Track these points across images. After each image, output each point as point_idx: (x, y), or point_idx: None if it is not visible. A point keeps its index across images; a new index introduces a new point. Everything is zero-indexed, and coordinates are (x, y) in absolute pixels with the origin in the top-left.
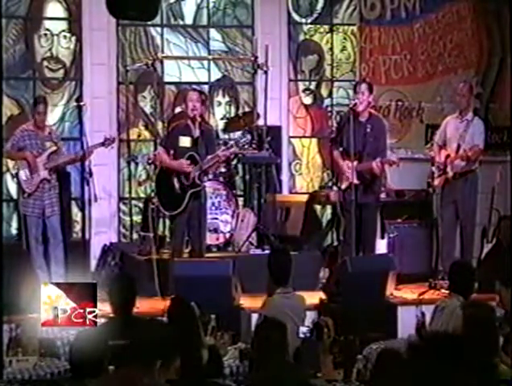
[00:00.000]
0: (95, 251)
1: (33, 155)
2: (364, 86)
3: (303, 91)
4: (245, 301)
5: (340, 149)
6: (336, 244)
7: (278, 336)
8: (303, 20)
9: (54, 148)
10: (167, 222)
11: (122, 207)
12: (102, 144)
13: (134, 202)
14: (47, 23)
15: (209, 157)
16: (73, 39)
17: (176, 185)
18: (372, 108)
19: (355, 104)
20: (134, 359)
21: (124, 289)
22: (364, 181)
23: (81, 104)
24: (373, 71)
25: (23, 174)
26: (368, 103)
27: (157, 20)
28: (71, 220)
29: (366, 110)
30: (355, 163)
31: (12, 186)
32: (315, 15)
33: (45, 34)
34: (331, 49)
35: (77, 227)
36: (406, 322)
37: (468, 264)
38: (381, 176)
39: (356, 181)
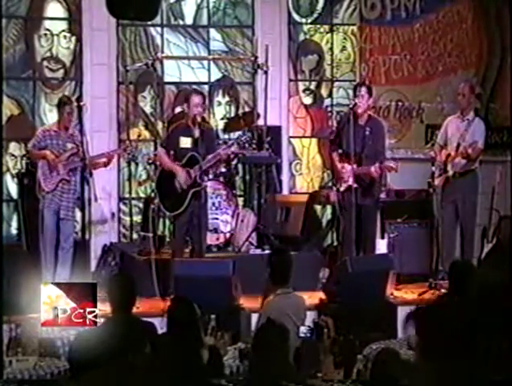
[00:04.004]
0: (95, 251)
1: (53, 154)
2: (363, 89)
3: (303, 91)
4: (245, 301)
5: (340, 151)
6: (336, 244)
7: (279, 339)
8: (303, 20)
9: (75, 150)
10: (167, 222)
11: (122, 207)
12: (124, 150)
13: (134, 202)
14: (47, 23)
15: (210, 156)
16: (73, 39)
17: (178, 185)
18: (372, 109)
19: (355, 105)
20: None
21: (123, 288)
22: (362, 184)
23: (81, 104)
24: (373, 71)
25: (42, 172)
26: (367, 106)
27: (157, 20)
28: None
29: (365, 113)
30: (354, 166)
31: (12, 186)
32: (315, 15)
33: (45, 34)
34: (331, 49)
35: (77, 227)
36: None
37: (467, 264)
38: (381, 179)
39: (354, 184)
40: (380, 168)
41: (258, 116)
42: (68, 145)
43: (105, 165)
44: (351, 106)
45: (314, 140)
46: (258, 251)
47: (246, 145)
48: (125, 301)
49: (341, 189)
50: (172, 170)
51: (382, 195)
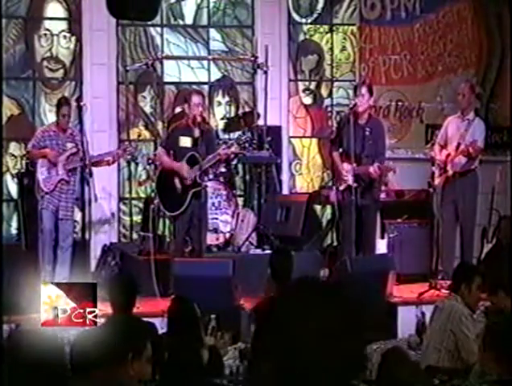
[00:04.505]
0: (95, 251)
1: (53, 153)
2: (364, 89)
3: (303, 91)
4: (245, 301)
5: (340, 150)
6: (336, 244)
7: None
8: (303, 20)
9: (74, 149)
10: (167, 222)
11: (122, 207)
12: (124, 150)
13: (134, 202)
14: (47, 23)
15: (210, 156)
16: (73, 39)
17: (178, 185)
18: (372, 108)
19: (355, 105)
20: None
21: (124, 288)
22: (362, 184)
23: (81, 104)
24: (373, 71)
25: (42, 172)
26: (368, 106)
27: (157, 20)
28: None
29: (366, 112)
30: (353, 165)
31: (12, 186)
32: (315, 15)
33: (45, 34)
34: (331, 49)
35: (77, 227)
36: (406, 322)
37: (472, 267)
38: (380, 179)
39: (354, 183)
40: (379, 168)
41: (258, 116)
42: (68, 145)
43: (109, 164)
44: (351, 106)
45: (314, 140)
46: (258, 251)
47: (246, 145)
48: (126, 302)
49: (341, 188)
50: (173, 169)
51: (382, 195)
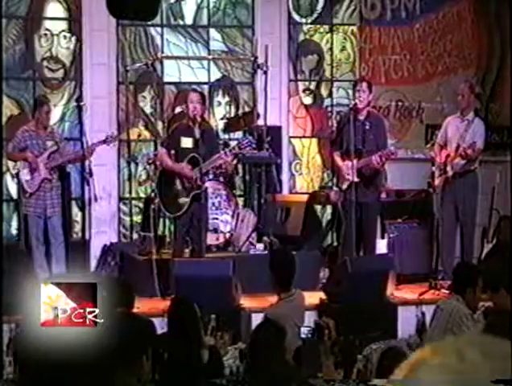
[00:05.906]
0: (95, 251)
1: (34, 155)
2: (364, 84)
3: (303, 91)
4: (245, 301)
5: (341, 151)
6: (336, 244)
7: (275, 338)
8: (303, 20)
9: (55, 147)
10: (167, 222)
11: (122, 207)
12: (104, 141)
13: (134, 202)
14: (47, 23)
15: (211, 158)
16: (73, 39)
17: (178, 187)
18: (371, 108)
19: (355, 105)
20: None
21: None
22: (364, 178)
23: (81, 104)
24: (373, 71)
25: (24, 174)
26: (367, 102)
27: (157, 20)
28: (71, 220)
29: (365, 109)
30: (355, 161)
31: (12, 186)
32: (315, 15)
33: (45, 34)
34: (331, 49)
35: (77, 227)
36: (406, 322)
37: (476, 269)
38: (382, 173)
39: (356, 178)
40: (380, 157)
41: (258, 116)
42: (48, 144)
43: (82, 160)
44: (351, 106)
45: (314, 140)
46: (259, 251)
47: (247, 148)
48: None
49: (344, 187)
50: (175, 170)
51: (382, 195)
